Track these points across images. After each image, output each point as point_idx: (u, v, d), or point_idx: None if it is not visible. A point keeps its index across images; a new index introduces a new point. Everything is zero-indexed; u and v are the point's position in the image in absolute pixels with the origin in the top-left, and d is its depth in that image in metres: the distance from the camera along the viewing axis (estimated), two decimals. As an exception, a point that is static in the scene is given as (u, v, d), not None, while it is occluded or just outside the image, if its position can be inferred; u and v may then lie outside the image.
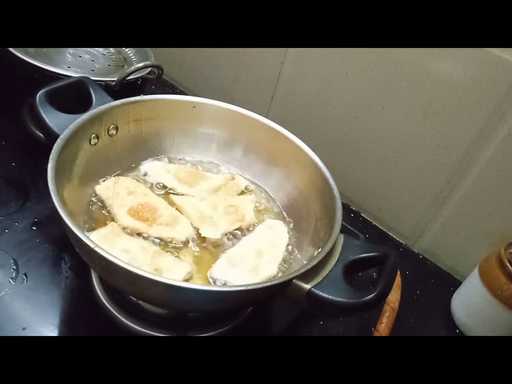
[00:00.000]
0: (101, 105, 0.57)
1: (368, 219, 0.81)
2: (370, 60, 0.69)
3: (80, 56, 0.74)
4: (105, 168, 0.59)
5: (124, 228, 0.53)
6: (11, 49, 0.64)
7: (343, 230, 0.50)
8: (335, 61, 0.72)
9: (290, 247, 0.57)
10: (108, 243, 0.50)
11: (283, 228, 0.59)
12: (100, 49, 0.78)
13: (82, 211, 0.55)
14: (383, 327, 0.60)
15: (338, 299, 0.43)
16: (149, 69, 0.72)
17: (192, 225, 0.56)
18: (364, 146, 0.75)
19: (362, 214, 0.81)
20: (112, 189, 0.57)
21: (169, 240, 0.54)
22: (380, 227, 0.80)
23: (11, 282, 0.55)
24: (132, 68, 0.67)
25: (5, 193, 0.65)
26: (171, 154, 0.66)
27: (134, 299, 0.54)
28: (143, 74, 0.71)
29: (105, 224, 0.53)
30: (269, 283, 0.42)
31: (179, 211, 0.58)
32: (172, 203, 0.59)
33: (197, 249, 0.55)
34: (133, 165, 0.63)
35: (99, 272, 0.51)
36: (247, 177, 0.66)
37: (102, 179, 0.58)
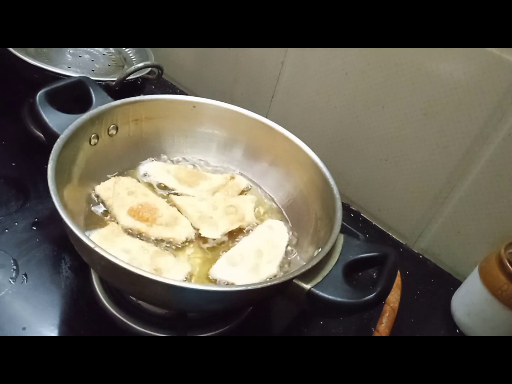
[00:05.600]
0: (101, 105, 0.57)
1: (368, 219, 0.81)
2: (370, 60, 0.69)
3: (80, 56, 0.74)
4: (105, 168, 0.59)
5: (124, 229, 0.53)
6: (11, 49, 0.64)
7: (343, 230, 0.50)
8: (335, 61, 0.72)
9: (290, 247, 0.57)
10: (108, 243, 0.50)
11: (283, 228, 0.59)
12: (100, 49, 0.78)
13: (82, 211, 0.55)
14: (383, 327, 0.60)
15: (338, 299, 0.43)
16: (149, 69, 0.72)
17: (192, 225, 0.56)
18: (364, 146, 0.75)
19: (362, 214, 0.81)
20: (112, 189, 0.57)
21: (169, 240, 0.54)
22: (380, 227, 0.80)
23: (11, 282, 0.55)
24: (132, 68, 0.67)
25: (5, 193, 0.65)
26: (171, 154, 0.66)
27: (134, 299, 0.54)
28: (143, 74, 0.71)
29: (105, 224, 0.54)
30: (269, 283, 0.42)
31: (179, 211, 0.58)
32: (172, 203, 0.59)
33: (197, 249, 0.55)
34: (133, 165, 0.63)
35: (99, 272, 0.51)
36: (247, 177, 0.66)
37: (102, 179, 0.58)
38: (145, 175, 0.62)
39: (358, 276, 0.66)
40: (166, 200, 0.59)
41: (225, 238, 0.57)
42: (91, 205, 0.56)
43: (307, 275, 0.44)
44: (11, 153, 0.71)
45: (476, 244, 0.69)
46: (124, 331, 0.53)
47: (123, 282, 0.44)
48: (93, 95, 0.58)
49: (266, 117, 0.64)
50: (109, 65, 0.76)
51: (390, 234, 0.79)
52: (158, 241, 0.54)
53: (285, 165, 0.63)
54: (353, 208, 0.82)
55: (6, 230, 0.60)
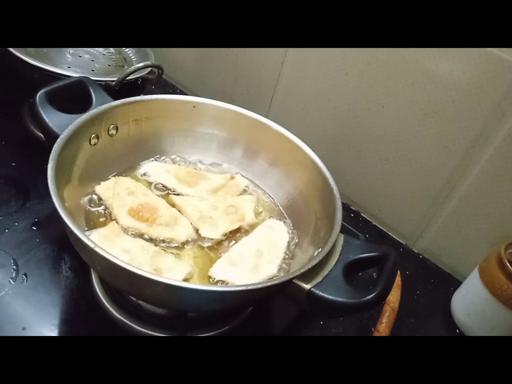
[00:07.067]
0: (101, 105, 0.57)
1: (368, 219, 0.81)
2: (370, 60, 0.69)
3: (80, 56, 0.74)
4: (105, 168, 0.59)
5: (124, 229, 0.53)
6: (11, 49, 0.64)
7: (343, 230, 0.50)
8: (335, 61, 0.72)
9: (290, 247, 0.57)
10: (108, 243, 0.50)
11: (283, 228, 0.59)
12: (100, 49, 0.78)
13: (82, 211, 0.55)
14: (383, 327, 0.60)
15: (338, 299, 0.43)
16: (149, 69, 0.72)
17: (192, 225, 0.56)
18: (364, 146, 0.75)
19: (362, 214, 0.81)
20: (112, 190, 0.57)
21: (169, 240, 0.54)
22: (380, 227, 0.80)
23: (11, 282, 0.55)
24: (132, 68, 0.67)
25: (5, 193, 0.65)
26: (171, 154, 0.66)
27: (134, 299, 0.54)
28: (143, 74, 0.71)
29: (105, 224, 0.54)
30: (269, 283, 0.42)
31: (179, 211, 0.58)
32: (172, 203, 0.59)
33: (197, 249, 0.55)
34: (133, 165, 0.63)
35: (99, 272, 0.51)
36: (247, 177, 0.66)
37: (102, 179, 0.58)
38: (145, 175, 0.62)
39: (358, 276, 0.66)
40: (166, 200, 0.59)
41: (225, 238, 0.57)
42: (91, 205, 0.56)
43: (307, 275, 0.44)
44: (11, 153, 0.71)
45: (476, 244, 0.69)
46: (124, 331, 0.53)
47: (123, 282, 0.44)
48: (93, 95, 0.58)
49: (266, 117, 0.64)
50: (109, 65, 0.76)
51: (390, 234, 0.79)
52: (158, 241, 0.54)
53: (285, 165, 0.63)
54: (353, 208, 0.82)
55: (6, 230, 0.60)
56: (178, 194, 0.61)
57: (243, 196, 0.63)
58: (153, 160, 0.64)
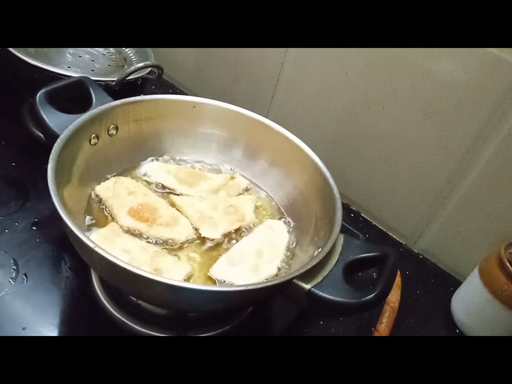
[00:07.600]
0: (101, 105, 0.57)
1: (368, 219, 0.81)
2: (370, 60, 0.69)
3: (80, 56, 0.74)
4: (105, 168, 0.59)
5: (124, 229, 0.53)
6: (11, 49, 0.64)
7: (343, 230, 0.50)
8: (335, 61, 0.72)
9: (290, 247, 0.57)
10: (108, 243, 0.50)
11: (283, 228, 0.59)
12: (100, 49, 0.78)
13: (82, 211, 0.55)
14: (383, 327, 0.60)
15: (338, 299, 0.43)
16: (149, 69, 0.72)
17: (192, 225, 0.56)
18: (364, 146, 0.75)
19: (362, 214, 0.81)
20: (112, 190, 0.57)
21: (169, 240, 0.54)
22: (380, 227, 0.80)
23: (11, 282, 0.55)
24: (132, 68, 0.67)
25: (5, 193, 0.65)
26: (171, 154, 0.66)
27: (134, 299, 0.54)
28: (143, 74, 0.71)
29: (105, 224, 0.54)
30: (269, 283, 0.42)
31: (179, 211, 0.58)
32: (172, 203, 0.59)
33: (197, 249, 0.55)
34: (133, 165, 0.63)
35: (99, 272, 0.51)
36: (247, 177, 0.66)
37: (102, 179, 0.58)
38: (145, 175, 0.62)
39: (358, 276, 0.66)
40: (166, 200, 0.59)
41: (225, 238, 0.57)
42: (91, 205, 0.56)
43: (307, 275, 0.44)
44: (11, 153, 0.71)
45: (476, 244, 0.69)
46: (124, 331, 0.53)
47: (123, 282, 0.44)
48: (93, 95, 0.58)
49: (266, 117, 0.64)
50: (109, 65, 0.76)
51: (390, 234, 0.79)
52: (158, 241, 0.54)
53: (285, 165, 0.63)
54: (353, 208, 0.82)
55: (6, 230, 0.60)
56: (178, 194, 0.61)
57: (243, 196, 0.63)
58: (153, 160, 0.64)
